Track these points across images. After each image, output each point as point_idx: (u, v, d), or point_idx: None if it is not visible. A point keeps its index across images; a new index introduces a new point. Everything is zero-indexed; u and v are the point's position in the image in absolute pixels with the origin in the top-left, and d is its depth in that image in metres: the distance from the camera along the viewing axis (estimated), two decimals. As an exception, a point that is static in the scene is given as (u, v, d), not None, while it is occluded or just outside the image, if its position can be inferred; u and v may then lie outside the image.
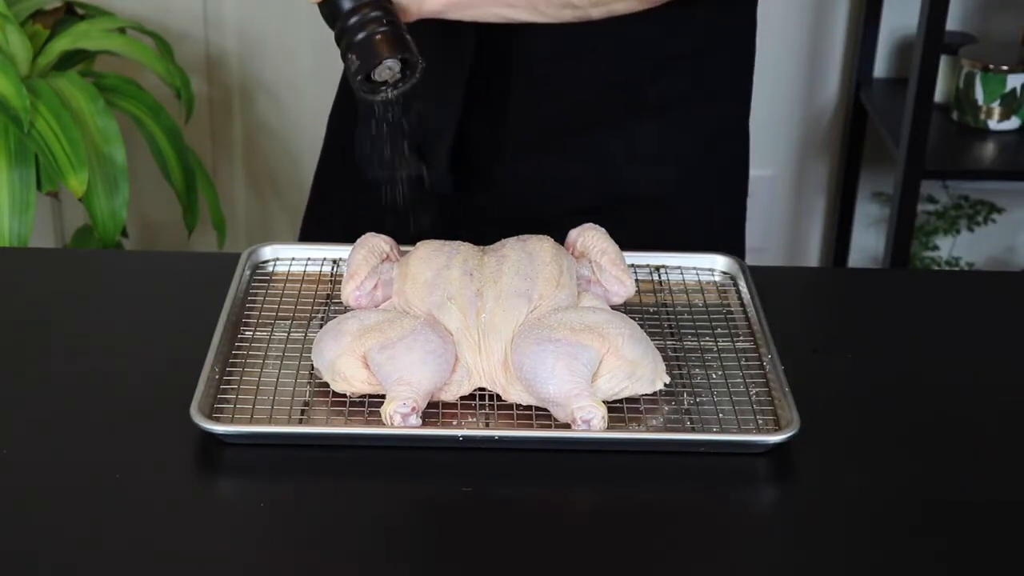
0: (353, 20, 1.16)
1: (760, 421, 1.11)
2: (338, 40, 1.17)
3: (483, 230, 1.27)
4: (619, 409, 1.11)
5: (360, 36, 1.15)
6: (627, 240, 1.24)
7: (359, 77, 1.16)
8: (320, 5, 1.17)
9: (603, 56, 1.34)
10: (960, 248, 2.68)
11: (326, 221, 1.54)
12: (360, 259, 1.21)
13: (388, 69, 1.17)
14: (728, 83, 1.43)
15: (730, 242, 1.47)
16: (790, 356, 1.17)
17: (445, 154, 1.39)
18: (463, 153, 1.40)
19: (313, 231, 1.55)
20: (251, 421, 1.09)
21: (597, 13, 1.24)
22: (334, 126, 1.54)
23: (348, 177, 1.48)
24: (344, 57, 1.17)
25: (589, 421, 1.06)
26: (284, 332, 1.21)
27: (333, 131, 1.54)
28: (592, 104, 1.38)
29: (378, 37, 1.15)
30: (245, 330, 1.21)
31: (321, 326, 1.19)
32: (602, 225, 1.24)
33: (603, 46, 1.31)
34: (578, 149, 1.40)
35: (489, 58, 1.35)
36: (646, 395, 1.12)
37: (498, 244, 1.21)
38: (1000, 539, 1.01)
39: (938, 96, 2.43)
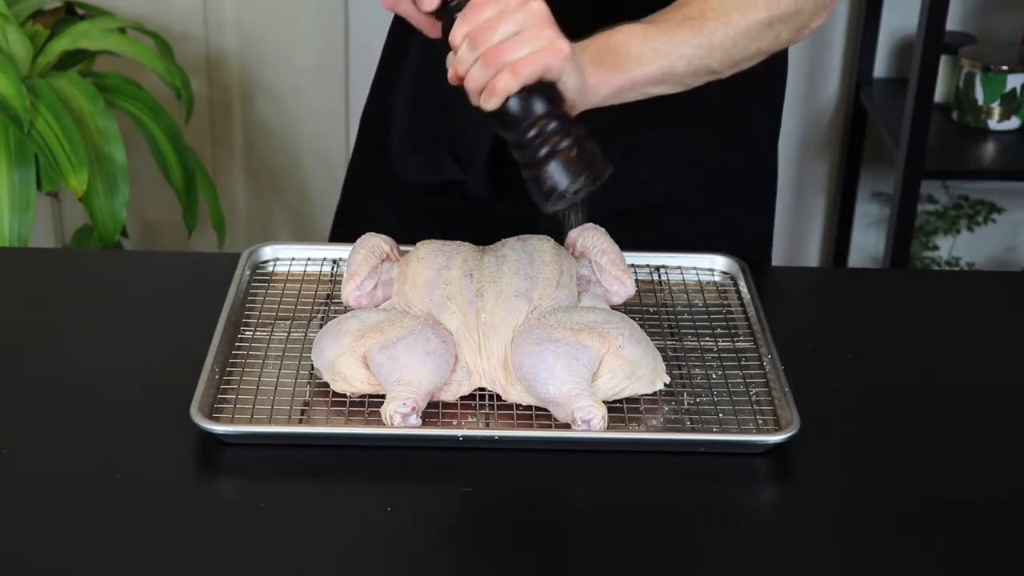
0: (532, 133, 1.09)
1: (760, 421, 1.11)
2: (516, 149, 1.10)
3: (515, 234, 1.26)
4: (619, 409, 1.11)
5: (545, 152, 1.09)
6: (656, 245, 1.24)
7: (552, 196, 1.10)
8: (493, 115, 1.10)
9: None
10: (960, 248, 2.68)
11: (356, 225, 1.53)
12: (360, 259, 1.21)
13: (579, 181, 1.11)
14: (761, 89, 1.43)
15: (757, 248, 1.46)
16: (790, 356, 1.17)
17: (482, 161, 1.38)
18: (500, 160, 1.40)
19: (343, 235, 1.54)
20: (251, 421, 1.09)
21: (728, 74, 1.25)
22: (366, 129, 1.53)
23: (380, 181, 1.47)
24: (532, 172, 1.10)
25: (589, 421, 1.06)
26: (284, 332, 1.21)
27: (365, 134, 1.53)
28: (626, 110, 1.38)
29: (573, 154, 1.09)
30: (245, 330, 1.21)
31: (321, 326, 1.19)
32: (631, 229, 1.24)
33: None
34: (613, 154, 1.39)
35: None
36: (646, 395, 1.12)
37: (498, 244, 1.21)
38: (1000, 539, 1.01)
39: (938, 96, 2.43)
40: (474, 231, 1.29)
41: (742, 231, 1.44)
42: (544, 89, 1.10)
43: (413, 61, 1.41)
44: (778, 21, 1.23)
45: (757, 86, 1.42)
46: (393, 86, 1.45)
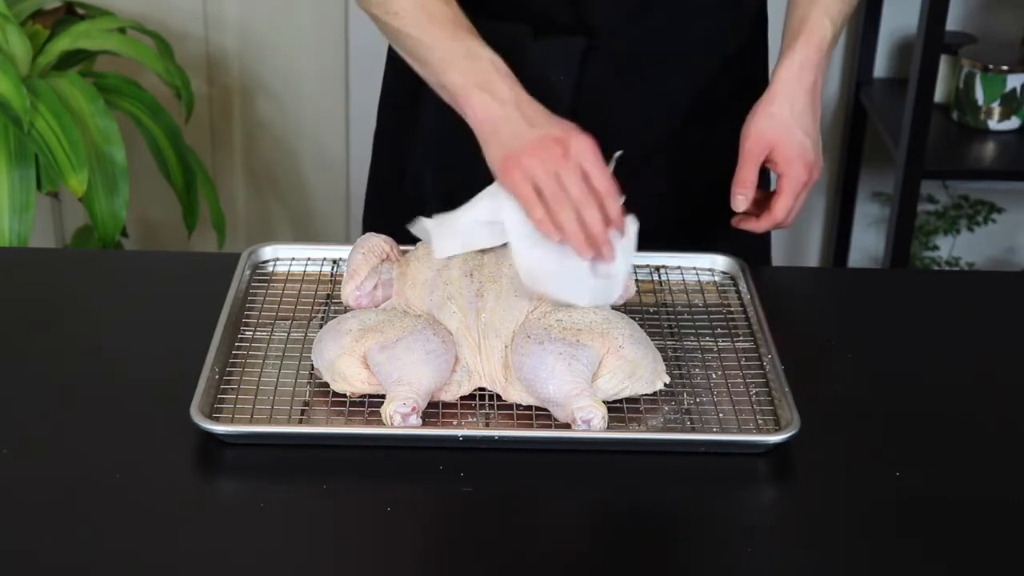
0: None
1: (760, 421, 1.11)
2: None
3: None
4: (619, 409, 1.11)
5: None
6: (656, 245, 1.25)
7: None
8: None
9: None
10: (960, 248, 2.68)
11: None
12: (360, 259, 1.21)
13: None
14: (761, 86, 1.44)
15: (757, 246, 1.46)
16: (790, 356, 1.17)
17: None
18: None
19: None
20: (251, 421, 1.09)
21: None
22: (381, 140, 1.51)
23: (400, 194, 1.46)
24: None
25: (589, 421, 1.06)
26: (284, 332, 1.21)
27: (380, 147, 1.52)
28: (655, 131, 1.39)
29: None
30: (245, 330, 1.21)
31: (321, 326, 1.19)
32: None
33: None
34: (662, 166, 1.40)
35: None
36: (646, 395, 1.12)
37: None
38: (999, 538, 1.01)
39: (938, 96, 2.43)
40: None
41: (743, 231, 1.45)
42: None
43: (429, 118, 1.39)
44: None
45: (757, 85, 1.42)
46: (407, 127, 1.43)
